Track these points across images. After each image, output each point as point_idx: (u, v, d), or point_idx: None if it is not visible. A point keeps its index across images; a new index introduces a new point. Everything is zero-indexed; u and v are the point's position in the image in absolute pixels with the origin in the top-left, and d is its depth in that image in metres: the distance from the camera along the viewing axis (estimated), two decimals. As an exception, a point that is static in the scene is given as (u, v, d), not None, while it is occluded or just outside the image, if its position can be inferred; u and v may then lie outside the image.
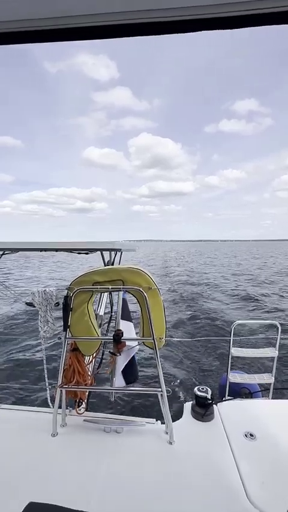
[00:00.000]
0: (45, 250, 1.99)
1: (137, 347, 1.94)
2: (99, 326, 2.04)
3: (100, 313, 2.21)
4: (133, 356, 2.00)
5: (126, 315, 2.06)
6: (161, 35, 0.65)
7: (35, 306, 1.86)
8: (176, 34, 0.64)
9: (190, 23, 0.62)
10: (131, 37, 0.63)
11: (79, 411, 1.73)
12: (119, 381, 1.97)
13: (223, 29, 0.63)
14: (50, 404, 2.03)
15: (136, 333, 2.04)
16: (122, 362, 1.94)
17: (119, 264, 2.26)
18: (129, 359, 1.95)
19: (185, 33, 0.65)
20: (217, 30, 0.64)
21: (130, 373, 2.00)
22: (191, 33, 0.65)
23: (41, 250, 1.99)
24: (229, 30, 0.63)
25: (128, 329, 1.96)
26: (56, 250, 1.97)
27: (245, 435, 1.53)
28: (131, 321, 2.05)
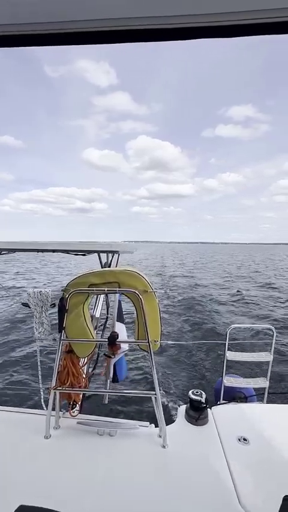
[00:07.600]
0: (42, 251, 1.98)
1: (127, 348, 1.95)
2: (95, 328, 2.03)
3: (96, 315, 2.21)
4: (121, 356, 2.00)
5: (119, 316, 2.06)
6: (161, 42, 0.66)
7: (30, 307, 1.85)
8: (175, 41, 0.65)
9: (191, 31, 0.62)
10: (131, 44, 0.64)
11: (73, 414, 1.71)
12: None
13: (223, 37, 0.64)
14: (44, 405, 2.02)
15: (128, 336, 2.04)
16: (114, 363, 1.94)
17: (116, 265, 2.26)
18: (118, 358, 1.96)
19: (185, 41, 0.66)
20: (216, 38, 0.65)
21: (119, 370, 2.00)
22: (191, 40, 0.66)
23: (37, 251, 1.98)
24: (228, 38, 0.65)
25: (120, 331, 1.96)
26: (53, 251, 1.97)
27: (239, 439, 1.53)
28: (123, 323, 2.05)
